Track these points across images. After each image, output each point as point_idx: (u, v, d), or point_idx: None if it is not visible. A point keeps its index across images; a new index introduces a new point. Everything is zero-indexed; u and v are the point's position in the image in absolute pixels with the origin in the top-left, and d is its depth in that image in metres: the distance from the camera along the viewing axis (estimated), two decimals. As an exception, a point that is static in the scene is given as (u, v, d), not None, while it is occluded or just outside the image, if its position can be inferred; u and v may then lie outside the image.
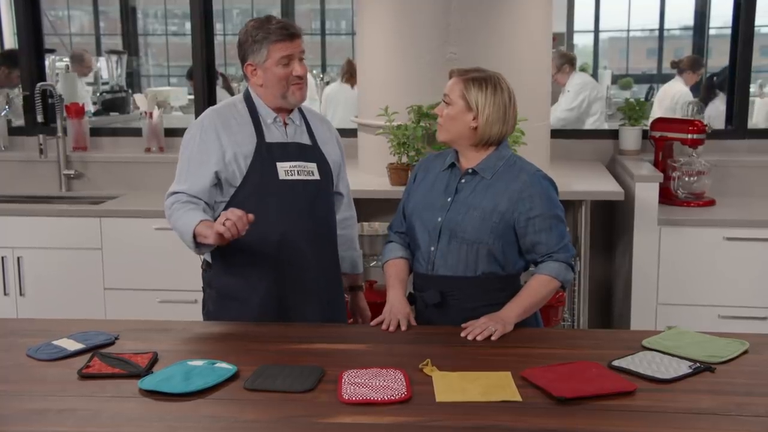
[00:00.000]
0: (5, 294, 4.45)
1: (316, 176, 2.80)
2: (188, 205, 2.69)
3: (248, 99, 2.83)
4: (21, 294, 4.45)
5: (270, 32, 2.70)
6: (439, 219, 2.67)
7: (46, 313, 4.07)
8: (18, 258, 4.43)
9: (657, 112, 6.76)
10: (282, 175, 2.73)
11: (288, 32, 2.71)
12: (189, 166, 2.76)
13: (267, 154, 2.74)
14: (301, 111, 2.88)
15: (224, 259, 2.79)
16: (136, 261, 4.37)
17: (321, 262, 2.86)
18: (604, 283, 4.74)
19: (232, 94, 6.77)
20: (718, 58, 13.11)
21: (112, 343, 2.46)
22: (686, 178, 4.38)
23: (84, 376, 2.21)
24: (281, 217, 2.72)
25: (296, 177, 2.75)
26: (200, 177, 2.73)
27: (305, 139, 2.84)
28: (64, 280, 4.41)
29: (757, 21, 4.81)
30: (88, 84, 7.62)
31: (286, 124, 2.82)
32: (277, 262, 2.77)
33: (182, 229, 2.66)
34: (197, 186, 2.72)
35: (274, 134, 2.79)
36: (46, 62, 5.68)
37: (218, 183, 2.75)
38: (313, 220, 2.81)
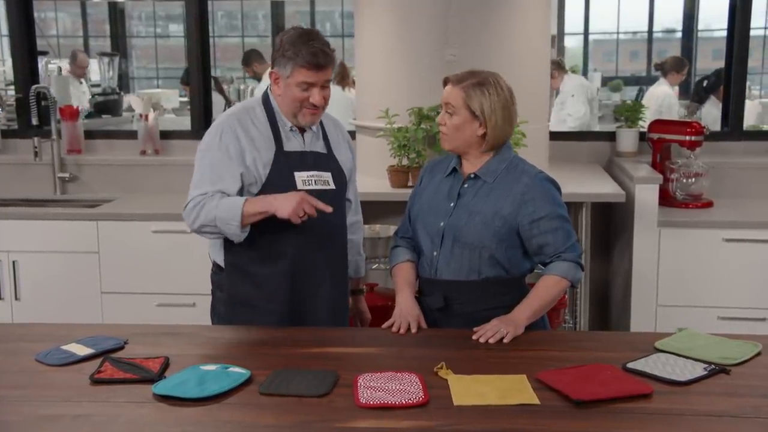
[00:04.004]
0: (0, 298, 4.42)
1: (332, 185, 2.79)
2: (219, 195, 2.65)
3: (267, 103, 2.79)
4: (17, 298, 4.41)
5: (299, 55, 2.62)
6: (442, 224, 2.66)
7: (43, 318, 4.05)
8: (13, 262, 4.39)
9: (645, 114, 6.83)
10: (300, 185, 2.70)
11: (315, 62, 2.63)
12: (212, 170, 2.70)
13: (285, 163, 2.72)
14: None
15: (238, 266, 2.77)
16: (134, 264, 4.34)
17: (332, 271, 2.85)
18: (602, 284, 4.75)
19: (225, 96, 6.75)
20: (703, 60, 13.22)
21: (121, 348, 2.44)
22: (684, 180, 4.40)
23: (96, 381, 2.19)
24: (298, 227, 2.69)
25: (313, 187, 2.73)
26: (226, 178, 2.68)
27: (321, 147, 2.83)
28: (60, 283, 4.38)
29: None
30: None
31: (303, 131, 2.80)
32: (293, 272, 2.76)
33: (226, 214, 2.61)
34: (228, 189, 2.67)
35: (292, 142, 2.77)
36: (39, 64, 5.63)
37: (241, 188, 2.71)
38: (328, 230, 2.80)
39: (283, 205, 2.57)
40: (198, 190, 2.69)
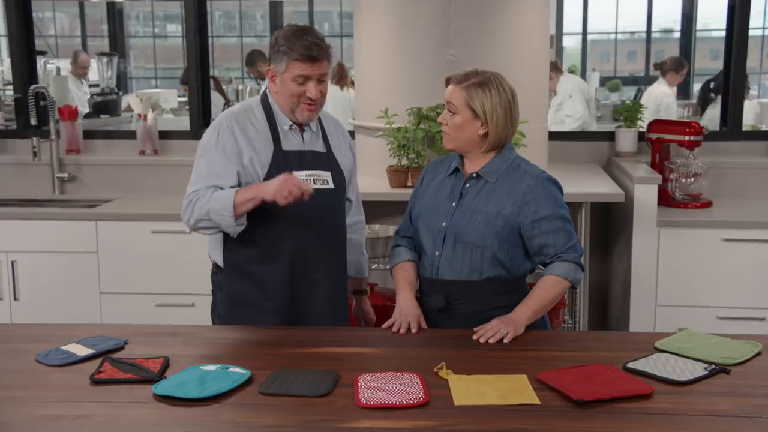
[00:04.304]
0: (-1, 299, 4.42)
1: (331, 185, 2.79)
2: (212, 189, 2.66)
3: (265, 103, 2.80)
4: (15, 299, 4.41)
5: (293, 49, 2.64)
6: (444, 224, 2.66)
7: (42, 318, 4.06)
8: (12, 262, 4.38)
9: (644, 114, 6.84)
10: None
11: (309, 54, 2.64)
12: (208, 169, 2.71)
13: (284, 163, 2.72)
14: None
15: (237, 266, 2.78)
16: (133, 264, 4.34)
17: (331, 270, 2.86)
18: (601, 284, 4.75)
19: (224, 96, 6.74)
20: (700, 60, 13.22)
21: (121, 348, 2.44)
22: (683, 180, 4.40)
23: (96, 382, 2.18)
24: (297, 227, 2.71)
25: (312, 186, 2.72)
26: (222, 176, 2.68)
27: (320, 146, 2.83)
28: (59, 284, 4.37)
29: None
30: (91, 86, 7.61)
31: (302, 131, 2.81)
32: (292, 271, 2.76)
33: (218, 205, 2.62)
34: (218, 183, 2.68)
35: (290, 141, 2.77)
36: (38, 64, 5.63)
37: (238, 185, 2.71)
38: (327, 230, 2.81)
39: (268, 188, 2.58)
40: (192, 188, 2.71)
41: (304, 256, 2.77)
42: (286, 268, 2.75)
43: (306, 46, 2.65)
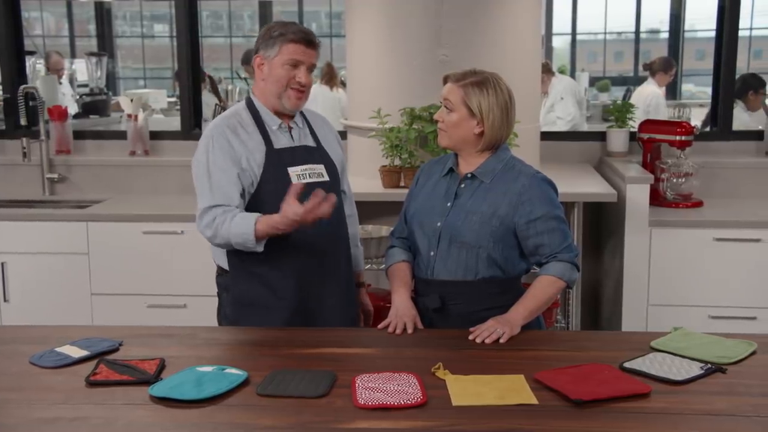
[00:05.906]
0: (-10, 300, 4.39)
1: (326, 177, 2.80)
2: (233, 211, 2.66)
3: (251, 106, 2.81)
4: (5, 300, 4.38)
5: (288, 32, 2.70)
6: (439, 224, 2.66)
7: (32, 320, 4.04)
8: (2, 263, 4.35)
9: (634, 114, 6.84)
10: (295, 180, 2.70)
11: (306, 38, 2.70)
12: (212, 178, 2.70)
13: (277, 160, 2.73)
14: (302, 113, 2.88)
15: (243, 267, 2.77)
16: (124, 265, 4.31)
17: (339, 263, 2.87)
18: (593, 284, 4.76)
19: (218, 96, 6.71)
20: (687, 60, 13.28)
21: (116, 350, 2.43)
22: (674, 180, 4.42)
23: (92, 384, 2.17)
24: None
25: (307, 180, 2.73)
26: (229, 185, 2.68)
27: (310, 141, 2.85)
28: (50, 285, 4.35)
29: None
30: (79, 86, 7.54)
31: (290, 128, 2.82)
32: (300, 269, 2.77)
33: (240, 240, 2.63)
34: (229, 194, 2.68)
35: (281, 140, 2.79)
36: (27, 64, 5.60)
37: (242, 191, 2.71)
38: (329, 223, 2.80)
39: (289, 219, 2.55)
40: (206, 202, 2.70)
41: (310, 252, 2.77)
42: (293, 265, 2.76)
43: (301, 31, 2.72)
